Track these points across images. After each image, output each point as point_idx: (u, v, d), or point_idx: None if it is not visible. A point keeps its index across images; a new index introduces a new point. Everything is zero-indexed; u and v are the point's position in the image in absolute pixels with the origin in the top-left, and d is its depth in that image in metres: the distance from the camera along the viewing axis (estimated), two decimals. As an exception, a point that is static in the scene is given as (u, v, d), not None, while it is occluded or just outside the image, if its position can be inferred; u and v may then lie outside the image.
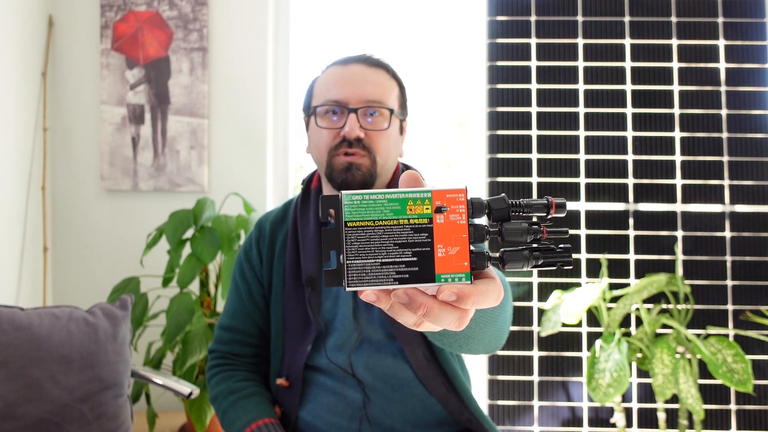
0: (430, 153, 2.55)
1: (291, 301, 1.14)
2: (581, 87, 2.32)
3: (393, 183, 1.16)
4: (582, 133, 2.32)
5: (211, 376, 1.21)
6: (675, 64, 2.31)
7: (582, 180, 2.31)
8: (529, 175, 2.32)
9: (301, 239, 1.14)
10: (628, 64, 2.32)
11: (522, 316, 2.30)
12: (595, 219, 2.31)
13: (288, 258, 1.15)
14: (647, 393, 2.24)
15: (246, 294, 1.21)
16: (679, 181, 2.30)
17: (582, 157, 2.32)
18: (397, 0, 2.45)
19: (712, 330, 2.20)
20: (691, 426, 2.09)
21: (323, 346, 1.12)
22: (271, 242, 1.20)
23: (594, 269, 2.28)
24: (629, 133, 2.31)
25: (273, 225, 1.21)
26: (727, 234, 2.27)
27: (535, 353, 2.28)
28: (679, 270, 2.24)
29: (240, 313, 1.21)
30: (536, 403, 2.27)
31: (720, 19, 2.31)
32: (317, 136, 1.11)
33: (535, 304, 2.30)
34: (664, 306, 2.19)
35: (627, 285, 2.25)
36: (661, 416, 2.07)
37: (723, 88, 2.30)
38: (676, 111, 2.31)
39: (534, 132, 2.33)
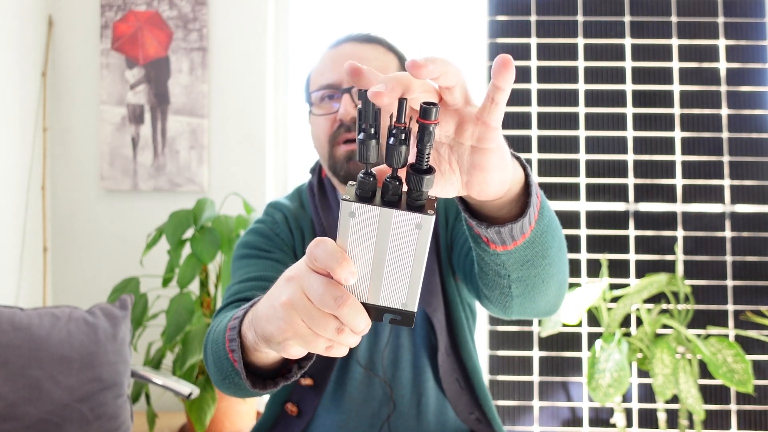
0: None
1: None
2: (581, 87, 2.32)
3: None
4: (582, 133, 2.32)
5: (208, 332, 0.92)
6: (675, 64, 2.31)
7: (582, 180, 2.31)
8: (530, 175, 2.31)
9: (328, 229, 1.07)
10: (628, 64, 2.32)
11: (522, 316, 2.30)
12: (595, 219, 2.31)
13: None
14: (647, 393, 2.24)
15: (277, 259, 1.04)
16: (679, 181, 2.30)
17: (582, 157, 2.31)
18: (398, 0, 2.45)
19: (713, 330, 2.20)
20: (691, 426, 2.09)
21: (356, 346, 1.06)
22: (299, 229, 1.09)
23: (594, 269, 2.28)
24: (629, 133, 2.31)
25: (295, 214, 1.11)
26: (728, 234, 2.27)
27: (536, 353, 2.28)
28: (680, 270, 2.24)
29: (272, 268, 1.02)
30: (536, 403, 2.27)
31: (720, 19, 2.31)
32: (315, 125, 1.05)
33: (535, 304, 2.29)
34: (664, 306, 2.19)
35: (627, 285, 2.25)
36: (662, 416, 2.07)
37: (723, 88, 2.30)
38: (677, 111, 2.31)
39: (534, 132, 2.32)
